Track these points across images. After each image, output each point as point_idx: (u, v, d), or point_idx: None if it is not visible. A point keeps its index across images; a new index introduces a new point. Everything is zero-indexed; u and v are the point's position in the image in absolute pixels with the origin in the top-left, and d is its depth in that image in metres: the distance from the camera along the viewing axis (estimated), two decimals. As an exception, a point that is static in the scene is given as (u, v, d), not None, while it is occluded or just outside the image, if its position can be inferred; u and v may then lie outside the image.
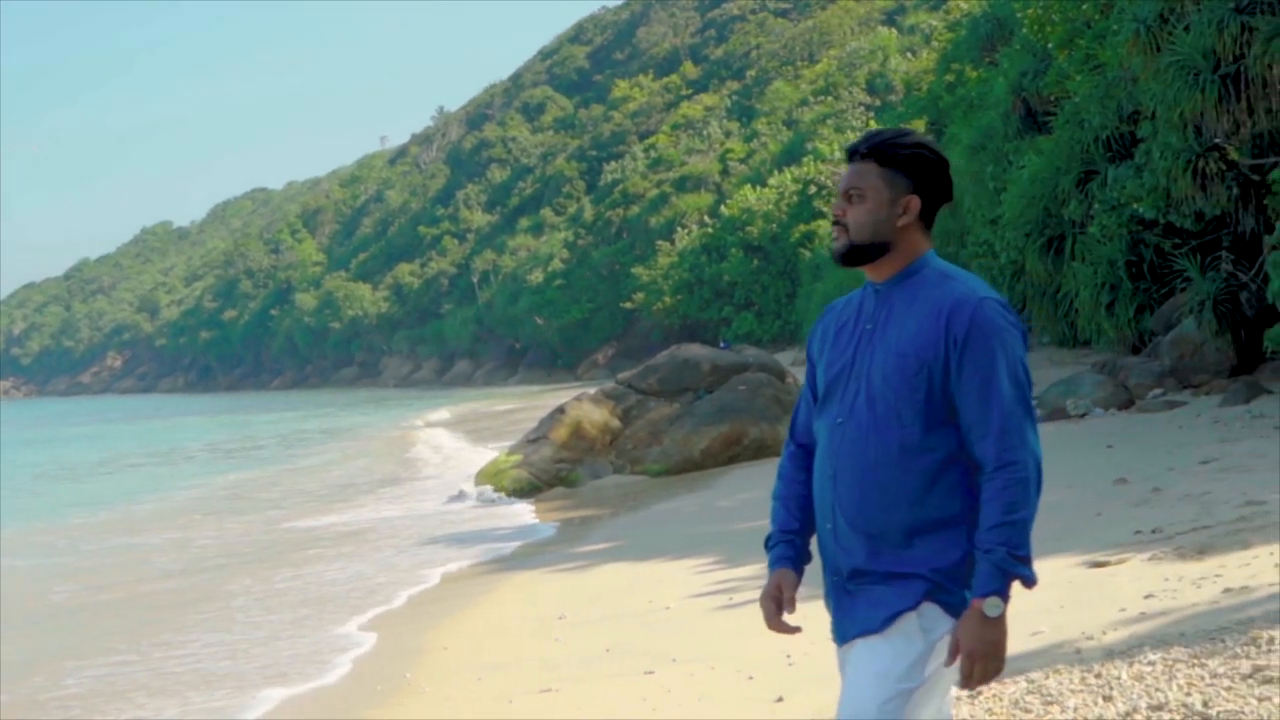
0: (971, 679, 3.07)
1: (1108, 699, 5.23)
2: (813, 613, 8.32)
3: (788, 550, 3.39)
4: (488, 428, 37.26)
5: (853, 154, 3.34)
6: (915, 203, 3.26)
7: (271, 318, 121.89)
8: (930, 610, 3.12)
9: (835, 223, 3.32)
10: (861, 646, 3.19)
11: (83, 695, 9.43)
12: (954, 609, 3.11)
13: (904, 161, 3.26)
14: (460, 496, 19.31)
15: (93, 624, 12.45)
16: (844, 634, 3.25)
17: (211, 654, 10.40)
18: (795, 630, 3.35)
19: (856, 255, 3.29)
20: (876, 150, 3.29)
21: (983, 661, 3.05)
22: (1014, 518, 3.04)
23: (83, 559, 17.32)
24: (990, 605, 3.03)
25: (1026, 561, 3.06)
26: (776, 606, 3.35)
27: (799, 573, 3.38)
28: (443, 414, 47.78)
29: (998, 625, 3.05)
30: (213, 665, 9.98)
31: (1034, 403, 3.16)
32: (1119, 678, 5.45)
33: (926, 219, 3.30)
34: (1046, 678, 5.68)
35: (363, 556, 14.86)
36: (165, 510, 22.63)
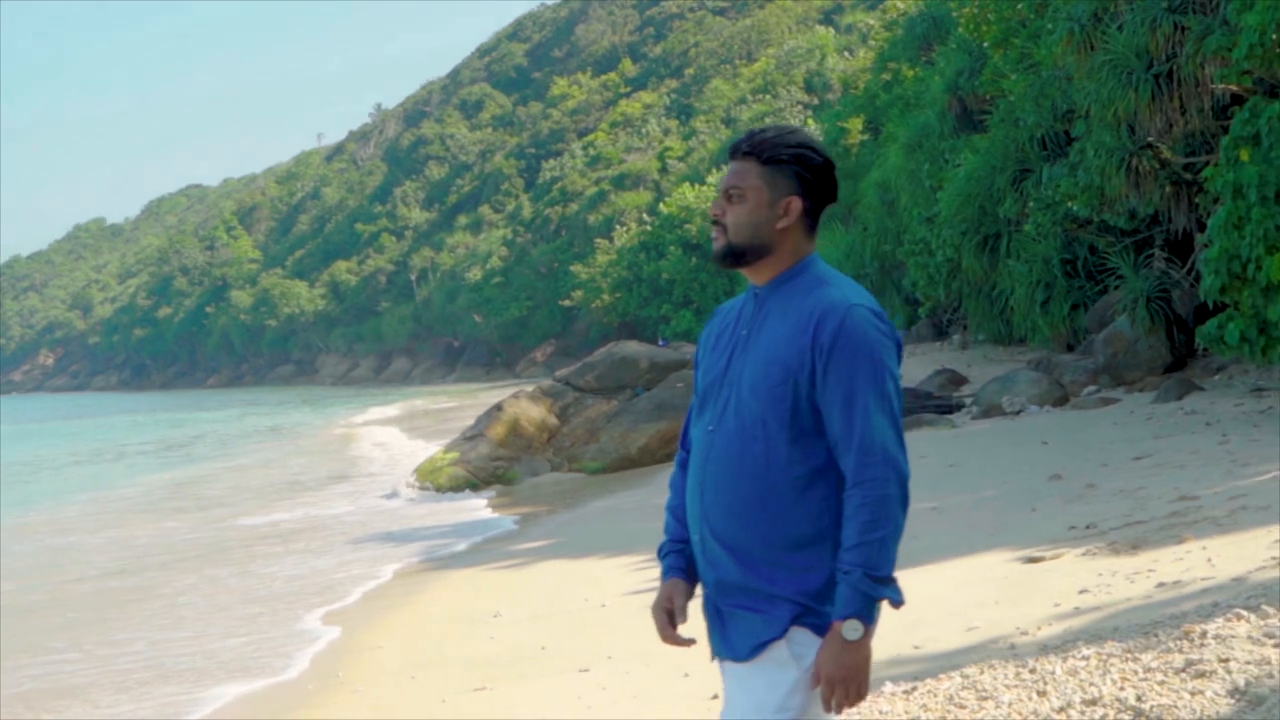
0: (832, 705, 2.93)
1: (1042, 694, 5.22)
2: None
3: (679, 560, 3.24)
4: (430, 425, 37.05)
5: (734, 152, 3.20)
6: (797, 204, 3.13)
7: (207, 315, 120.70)
8: (800, 635, 2.98)
9: (714, 223, 3.19)
10: (734, 675, 3.07)
11: (25, 695, 9.26)
12: (825, 631, 2.96)
13: (787, 161, 3.13)
14: (394, 494, 19.17)
15: (32, 624, 12.22)
16: (717, 651, 3.13)
17: (155, 653, 10.25)
18: (688, 642, 3.16)
19: (735, 257, 3.16)
20: (758, 148, 3.16)
21: (843, 687, 2.92)
22: (872, 537, 2.90)
23: (16, 559, 17.03)
24: (849, 628, 2.90)
25: (887, 582, 2.92)
26: (668, 618, 3.19)
27: (691, 583, 3.22)
28: (386, 411, 47.50)
29: (858, 649, 2.91)
30: (157, 663, 9.83)
31: (900, 417, 3.01)
32: (1053, 673, 5.44)
33: (810, 221, 3.16)
34: (981, 673, 5.67)
35: (295, 554, 14.71)
36: (101, 510, 22.31)
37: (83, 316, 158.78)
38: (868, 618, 2.91)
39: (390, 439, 32.83)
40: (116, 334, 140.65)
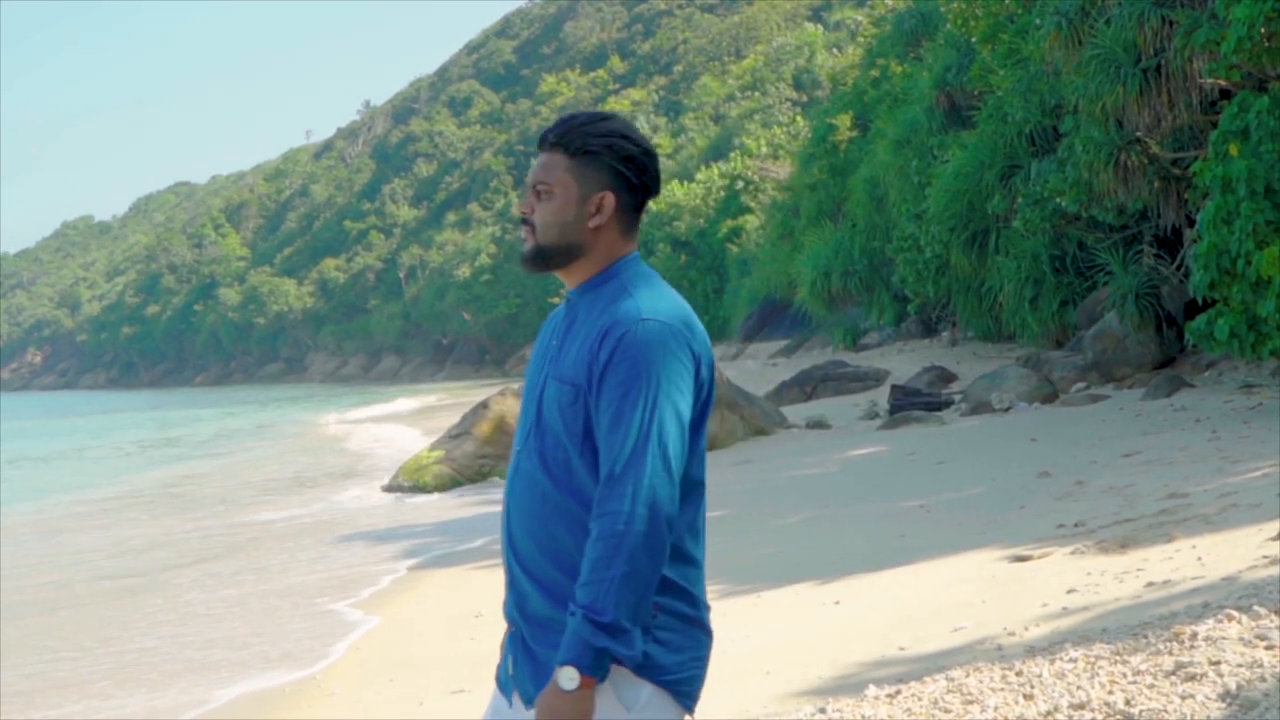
0: None
1: (1029, 697, 5.11)
2: (731, 609, 8.15)
3: None
4: (423, 422, 36.89)
5: (541, 142, 2.89)
6: (611, 200, 2.81)
7: (195, 313, 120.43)
8: (621, 675, 2.64)
9: (522, 222, 2.89)
10: None
11: (26, 692, 9.14)
12: (648, 672, 2.65)
13: (598, 152, 2.81)
14: (379, 492, 19.03)
15: (35, 621, 12.07)
16: (522, 691, 2.77)
17: (157, 651, 10.12)
18: None
19: (544, 259, 2.86)
20: (566, 138, 2.83)
21: None
22: (601, 575, 2.56)
23: (12, 558, 16.86)
24: (564, 676, 2.57)
25: (613, 631, 2.55)
26: None
27: None
28: (375, 409, 47.36)
29: (575, 703, 2.56)
30: (157, 662, 9.69)
31: (676, 447, 2.65)
32: (1040, 675, 5.32)
33: (628, 218, 2.85)
34: (967, 676, 5.55)
35: (273, 554, 14.58)
36: (92, 508, 22.13)
37: (71, 314, 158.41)
38: (590, 668, 2.56)
39: (380, 436, 32.69)
40: (104, 332, 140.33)
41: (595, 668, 2.57)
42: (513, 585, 2.82)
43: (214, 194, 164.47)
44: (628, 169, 2.83)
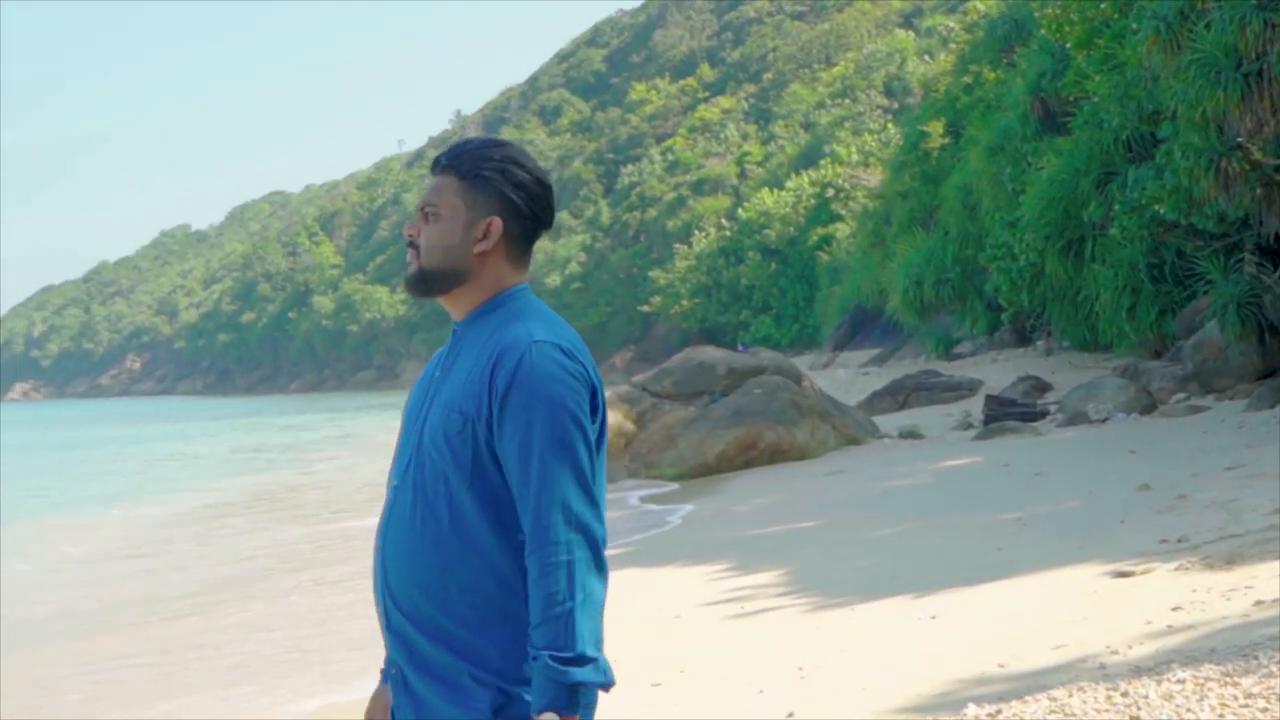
0: None
1: (1135, 719, 4.98)
2: (825, 622, 8.06)
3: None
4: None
5: (434, 166, 2.81)
6: (498, 225, 2.74)
7: (289, 320, 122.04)
8: None
9: (409, 244, 2.79)
10: None
11: (141, 690, 9.27)
12: None
13: (488, 177, 2.75)
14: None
15: (132, 627, 12.26)
16: None
17: (255, 653, 10.22)
18: None
19: (428, 283, 2.76)
20: (457, 162, 2.77)
21: None
22: (555, 611, 2.50)
23: (88, 568, 17.12)
24: None
25: (580, 662, 2.50)
26: None
27: None
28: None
29: None
30: (260, 665, 9.79)
31: (589, 469, 2.59)
32: (1147, 697, 5.18)
33: (518, 247, 2.77)
34: (1070, 695, 5.42)
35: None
36: (198, 513, 22.48)
37: (169, 322, 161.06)
38: (566, 707, 2.49)
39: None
40: (201, 339, 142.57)
41: (572, 705, 2.50)
42: (389, 628, 2.71)
43: (308, 203, 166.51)
44: (518, 196, 2.76)
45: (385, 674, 2.77)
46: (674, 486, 18.05)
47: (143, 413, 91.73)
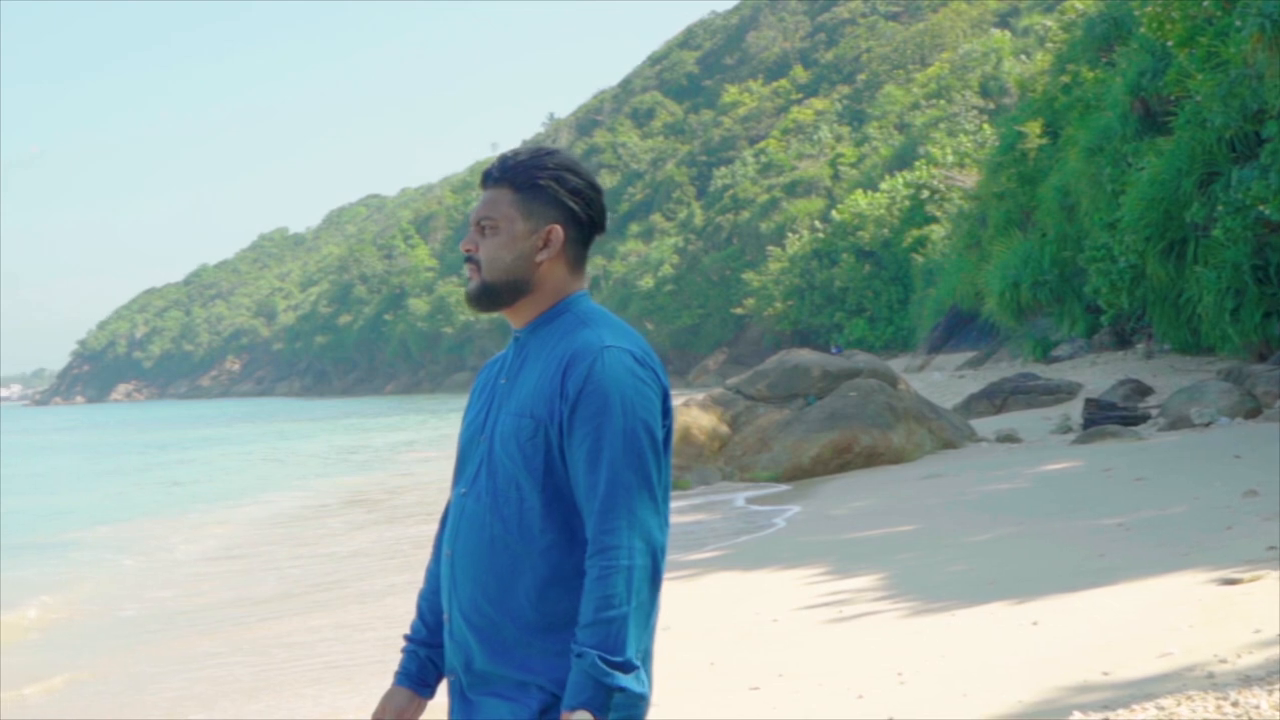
0: None
1: (1245, 729, 4.90)
2: (924, 627, 8.00)
3: (409, 664, 2.93)
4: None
5: (485, 179, 2.84)
6: (558, 233, 2.77)
7: (385, 323, 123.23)
8: None
9: (467, 259, 2.83)
10: None
11: (230, 688, 9.42)
12: None
13: (544, 186, 2.78)
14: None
15: (229, 628, 12.46)
16: None
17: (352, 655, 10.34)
18: None
19: (491, 298, 2.80)
20: (510, 174, 2.80)
21: None
22: (609, 614, 2.53)
23: (192, 567, 17.40)
24: None
25: (625, 668, 2.54)
26: None
27: (421, 692, 2.93)
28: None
29: None
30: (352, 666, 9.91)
31: (657, 477, 2.63)
32: (1258, 707, 5.09)
33: (576, 253, 2.81)
34: (1178, 705, 5.34)
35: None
36: (301, 512, 22.79)
37: (267, 324, 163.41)
38: (601, 709, 2.52)
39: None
40: (299, 340, 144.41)
41: (605, 708, 2.53)
42: (453, 638, 2.76)
43: (403, 206, 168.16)
44: (575, 202, 2.80)
45: (401, 678, 2.88)
46: (782, 487, 18.01)
47: (243, 413, 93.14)
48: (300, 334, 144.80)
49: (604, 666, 2.52)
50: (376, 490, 26.26)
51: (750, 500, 17.10)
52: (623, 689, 2.54)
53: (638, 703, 2.57)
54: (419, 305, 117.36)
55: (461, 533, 2.74)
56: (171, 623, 12.91)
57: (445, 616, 2.78)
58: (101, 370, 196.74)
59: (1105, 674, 6.28)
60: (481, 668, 2.70)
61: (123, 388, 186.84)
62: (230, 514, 23.53)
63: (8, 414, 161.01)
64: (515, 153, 2.84)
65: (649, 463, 2.62)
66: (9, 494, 31.25)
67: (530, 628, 2.65)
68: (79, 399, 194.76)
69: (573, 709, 2.53)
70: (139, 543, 19.91)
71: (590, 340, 2.68)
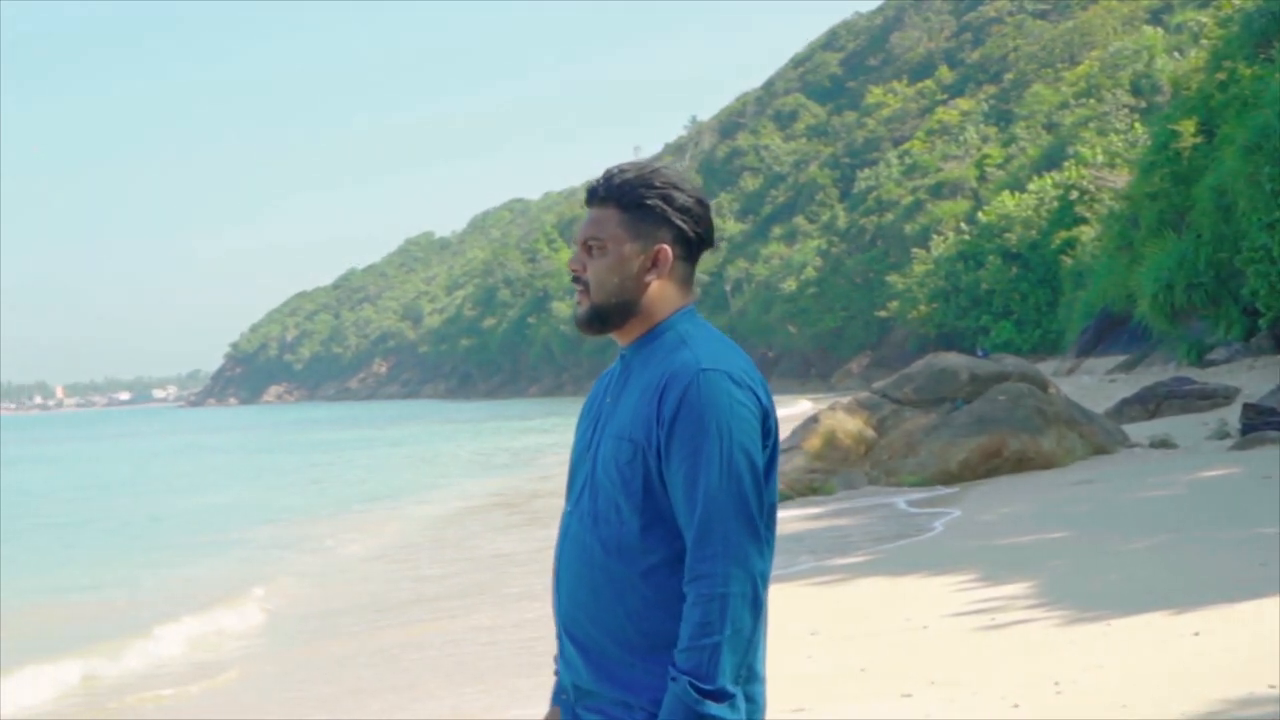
0: None
1: None
2: (1079, 636, 7.88)
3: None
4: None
5: (590, 198, 2.77)
6: (667, 253, 2.72)
7: (529, 326, 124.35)
8: None
9: (574, 280, 2.77)
10: None
11: (356, 688, 9.59)
12: None
13: (652, 205, 2.71)
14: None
15: (374, 632, 12.71)
16: None
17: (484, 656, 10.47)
18: None
19: (601, 320, 2.76)
20: (617, 192, 2.73)
21: None
22: (704, 641, 2.51)
23: (351, 569, 17.75)
24: None
25: (719, 697, 2.51)
26: None
27: None
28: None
29: None
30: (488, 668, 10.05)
31: (756, 501, 2.59)
32: None
33: (684, 271, 2.76)
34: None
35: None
36: (455, 516, 23.20)
37: (413, 327, 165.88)
38: None
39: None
40: (444, 343, 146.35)
41: None
42: (562, 654, 2.77)
43: (546, 210, 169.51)
44: (684, 220, 2.74)
45: (556, 697, 2.82)
46: (941, 490, 17.85)
47: (391, 415, 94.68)
48: (445, 337, 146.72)
49: (695, 694, 2.51)
50: (515, 494, 26.51)
51: (911, 504, 16.98)
52: (714, 717, 2.52)
53: None
54: (563, 309, 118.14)
55: (565, 551, 2.76)
56: (363, 617, 13.23)
57: (557, 634, 2.79)
58: (254, 372, 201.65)
59: (1272, 687, 6.13)
60: (587, 686, 2.69)
61: (274, 389, 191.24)
62: (395, 512, 24.35)
63: (165, 416, 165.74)
64: (621, 169, 2.78)
65: (747, 488, 2.59)
66: (175, 493, 32.32)
67: (633, 649, 2.64)
68: (232, 400, 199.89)
69: None
70: (308, 541, 20.60)
71: (688, 361, 2.64)
